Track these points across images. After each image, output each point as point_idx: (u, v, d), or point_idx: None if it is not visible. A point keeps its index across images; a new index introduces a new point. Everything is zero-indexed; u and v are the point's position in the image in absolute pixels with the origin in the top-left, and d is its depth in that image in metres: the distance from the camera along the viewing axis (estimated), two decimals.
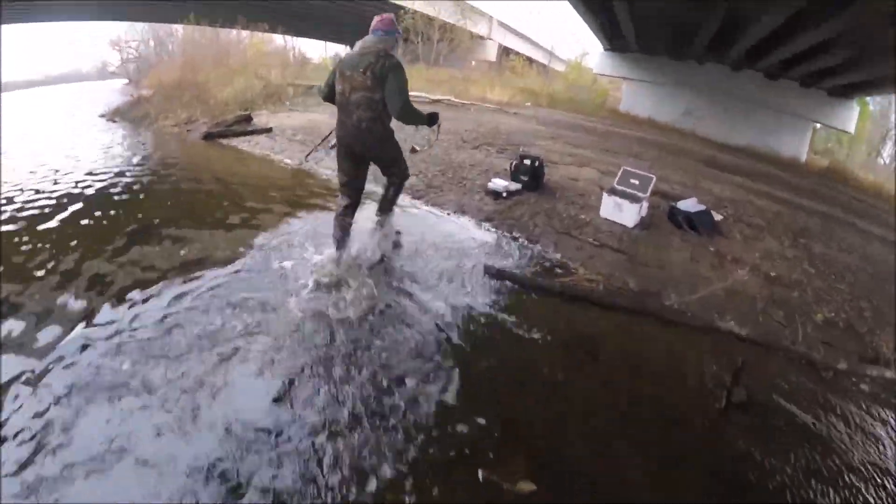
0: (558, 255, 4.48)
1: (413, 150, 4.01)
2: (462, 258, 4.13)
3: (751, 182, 9.44)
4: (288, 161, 7.47)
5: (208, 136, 9.19)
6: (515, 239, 4.77)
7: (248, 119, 10.01)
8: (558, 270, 4.19)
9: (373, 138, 3.37)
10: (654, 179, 5.38)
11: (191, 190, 5.91)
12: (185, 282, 3.37)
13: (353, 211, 3.68)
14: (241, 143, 8.82)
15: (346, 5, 22.44)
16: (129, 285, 3.30)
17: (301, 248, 3.92)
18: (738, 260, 4.88)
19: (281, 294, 3.26)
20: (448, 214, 5.28)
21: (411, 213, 5.28)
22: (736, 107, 18.58)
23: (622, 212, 5.17)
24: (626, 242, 4.87)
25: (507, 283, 3.78)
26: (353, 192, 3.66)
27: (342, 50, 40.49)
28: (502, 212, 5.30)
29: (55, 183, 5.95)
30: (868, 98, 22.49)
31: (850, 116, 18.68)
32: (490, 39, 29.56)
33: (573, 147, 9.09)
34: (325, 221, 4.28)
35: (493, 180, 5.80)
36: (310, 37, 32.89)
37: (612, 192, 5.35)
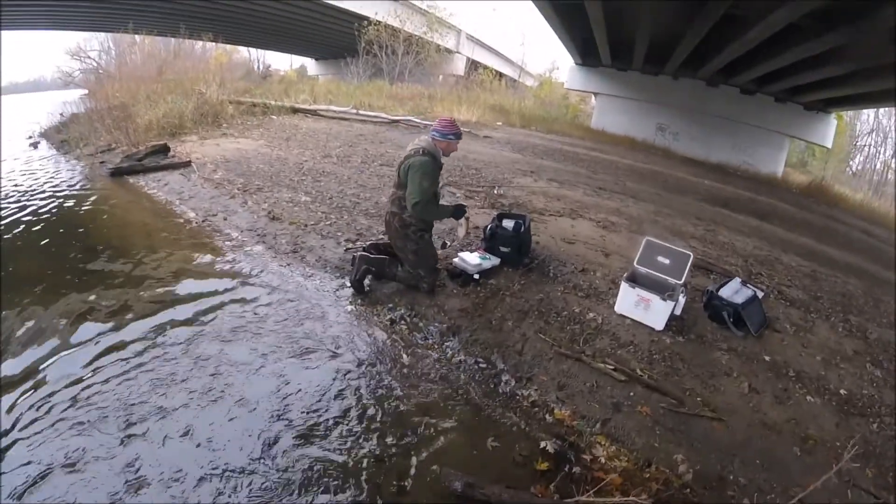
0: (566, 413, 2.83)
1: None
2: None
3: (766, 224, 8.06)
4: (191, 214, 5.68)
5: (115, 173, 7.42)
6: (491, 375, 3.13)
7: (165, 150, 8.18)
8: (570, 468, 2.49)
9: (391, 230, 3.79)
10: (692, 258, 3.82)
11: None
12: None
13: (373, 249, 3.96)
14: (150, 182, 7.06)
15: (296, 12, 20.71)
16: None
17: None
18: (801, 375, 3.46)
19: None
20: (387, 332, 3.51)
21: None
22: (711, 122, 18.04)
23: (649, 311, 3.60)
24: (659, 365, 3.28)
25: None
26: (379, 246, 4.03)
27: (310, 64, 38.77)
28: (472, 312, 3.65)
29: None
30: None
31: (828, 131, 18.29)
32: (458, 53, 28.13)
33: (559, 186, 7.52)
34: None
35: (461, 254, 4.16)
36: (260, 47, 31.22)
37: (634, 280, 3.77)
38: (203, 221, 5.47)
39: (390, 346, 3.33)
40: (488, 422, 2.74)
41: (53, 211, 5.90)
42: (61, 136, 10.78)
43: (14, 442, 2.29)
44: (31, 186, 7.08)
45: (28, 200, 6.30)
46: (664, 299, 3.52)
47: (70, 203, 6.26)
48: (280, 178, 6.81)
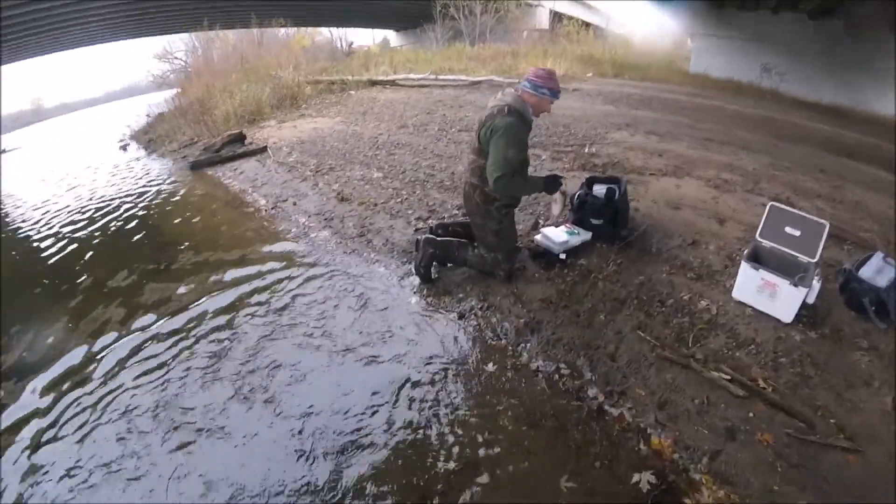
0: (666, 442, 2.15)
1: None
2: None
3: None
4: (262, 202, 5.50)
5: (195, 167, 7.55)
6: (575, 387, 2.51)
7: (241, 138, 8.15)
8: None
9: (470, 205, 3.15)
10: (827, 228, 2.90)
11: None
12: None
13: (440, 230, 3.44)
14: (227, 172, 7.05)
15: None
16: None
17: None
18: None
19: None
20: (454, 329, 3.01)
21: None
22: (817, 61, 15.57)
23: (775, 298, 2.77)
24: (786, 372, 2.49)
25: None
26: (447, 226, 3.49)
27: (392, 36, 38.51)
28: (556, 302, 3.02)
29: None
30: None
31: None
32: (540, 5, 26.40)
33: (659, 139, 6.48)
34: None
35: (543, 229, 3.51)
36: (335, 25, 31.24)
37: (756, 258, 2.94)
38: (273, 209, 5.27)
39: (455, 347, 2.82)
40: (566, 452, 2.16)
41: (138, 212, 6.07)
42: (148, 136, 11.28)
43: None
44: (120, 189, 7.39)
45: (118, 202, 6.61)
46: (794, 284, 2.67)
47: (153, 201, 6.44)
48: (353, 155, 6.48)
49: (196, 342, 3.08)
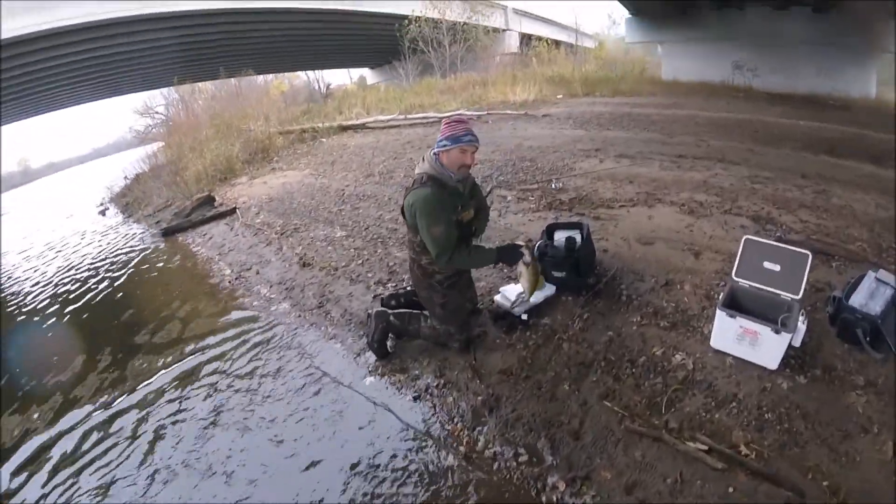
0: None
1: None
2: None
3: (883, 171, 6.25)
4: (227, 272, 5.32)
5: (166, 233, 7.43)
6: (534, 475, 2.26)
7: (210, 200, 8.04)
8: None
9: (414, 278, 2.97)
10: (810, 259, 2.71)
11: None
12: None
13: (392, 301, 3.24)
14: (197, 238, 6.95)
15: (329, 28, 20.57)
16: None
17: None
18: None
19: None
20: (407, 414, 2.77)
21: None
22: (789, 51, 15.84)
23: (757, 346, 2.57)
24: (772, 430, 2.25)
25: None
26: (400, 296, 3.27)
27: (367, 74, 38.90)
28: (517, 372, 2.80)
29: None
30: None
31: None
32: (508, 30, 26.77)
33: (630, 162, 6.34)
34: None
35: (502, 289, 3.31)
36: (306, 69, 31.89)
37: (733, 302, 2.74)
38: (237, 279, 5.09)
39: (407, 441, 2.59)
40: None
41: (104, 286, 5.99)
42: (126, 198, 11.21)
43: None
44: (94, 259, 7.37)
45: (88, 274, 6.63)
46: (777, 331, 2.47)
47: (120, 272, 6.34)
48: (318, 212, 6.34)
49: (139, 423, 3.05)
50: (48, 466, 2.82)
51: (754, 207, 4.64)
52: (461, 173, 2.63)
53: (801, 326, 2.64)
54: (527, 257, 2.67)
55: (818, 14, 14.94)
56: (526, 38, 27.20)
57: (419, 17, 19.66)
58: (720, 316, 2.64)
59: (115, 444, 2.89)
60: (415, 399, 2.80)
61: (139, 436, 2.94)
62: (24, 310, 5.76)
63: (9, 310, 5.89)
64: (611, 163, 6.41)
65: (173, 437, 2.86)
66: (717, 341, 2.72)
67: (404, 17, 19.72)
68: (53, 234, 10.39)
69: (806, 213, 4.55)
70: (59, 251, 8.55)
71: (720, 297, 2.84)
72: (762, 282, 2.76)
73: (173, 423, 2.98)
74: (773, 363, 2.56)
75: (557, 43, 26.47)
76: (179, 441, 2.81)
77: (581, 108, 11.52)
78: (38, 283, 6.72)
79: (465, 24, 21.04)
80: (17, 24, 11.52)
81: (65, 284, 6.35)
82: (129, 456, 2.78)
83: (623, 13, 19.03)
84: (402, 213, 2.69)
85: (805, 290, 2.68)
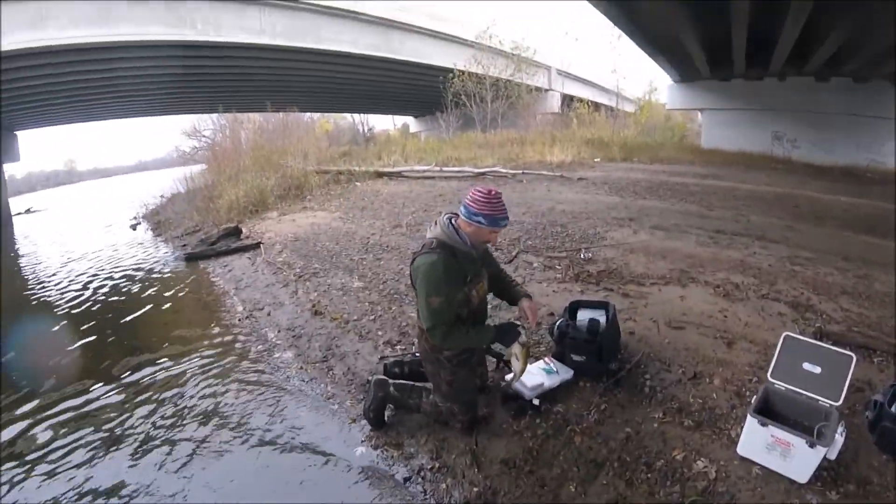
0: None
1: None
2: None
3: None
4: (239, 308, 5.22)
5: (189, 258, 7.47)
6: None
7: (237, 232, 8.08)
8: None
9: (421, 349, 2.73)
10: (854, 363, 2.42)
11: None
12: None
13: (396, 368, 3.06)
14: (217, 268, 6.95)
15: (374, 75, 21.21)
16: None
17: None
18: None
19: None
20: (395, 498, 2.52)
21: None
22: (829, 122, 15.91)
23: (789, 458, 2.25)
24: None
25: None
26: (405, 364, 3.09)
27: (411, 122, 39.98)
28: (520, 464, 2.50)
29: None
30: None
31: None
32: (551, 90, 27.21)
33: (665, 235, 6.08)
34: None
35: (523, 377, 3.05)
36: (348, 112, 33.18)
37: (766, 406, 2.45)
38: (247, 318, 4.98)
39: None
40: None
41: (117, 303, 6.18)
42: (158, 217, 11.48)
43: None
44: (113, 271, 7.72)
45: (100, 283, 7.06)
46: (812, 444, 2.17)
47: (136, 293, 6.48)
48: (340, 258, 6.23)
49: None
50: None
51: (793, 292, 4.32)
52: (479, 247, 2.50)
53: (839, 438, 2.31)
54: (523, 337, 2.56)
55: (858, 84, 14.85)
56: (567, 99, 27.59)
57: (463, 72, 20.08)
58: (751, 422, 2.35)
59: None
60: (405, 481, 2.54)
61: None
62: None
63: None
64: (645, 234, 6.17)
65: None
66: (744, 448, 2.41)
67: (449, 70, 20.19)
68: (86, 237, 10.88)
69: (847, 301, 4.21)
70: (84, 256, 9.09)
71: (753, 399, 2.57)
72: (800, 385, 2.49)
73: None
74: (803, 477, 2.25)
75: (598, 105, 26.72)
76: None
77: (618, 174, 11.37)
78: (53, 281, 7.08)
79: (507, 80, 21.43)
80: (82, 33, 12.57)
81: (77, 290, 6.64)
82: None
83: (665, 79, 19.12)
84: (411, 278, 2.54)
85: (845, 398, 2.38)
